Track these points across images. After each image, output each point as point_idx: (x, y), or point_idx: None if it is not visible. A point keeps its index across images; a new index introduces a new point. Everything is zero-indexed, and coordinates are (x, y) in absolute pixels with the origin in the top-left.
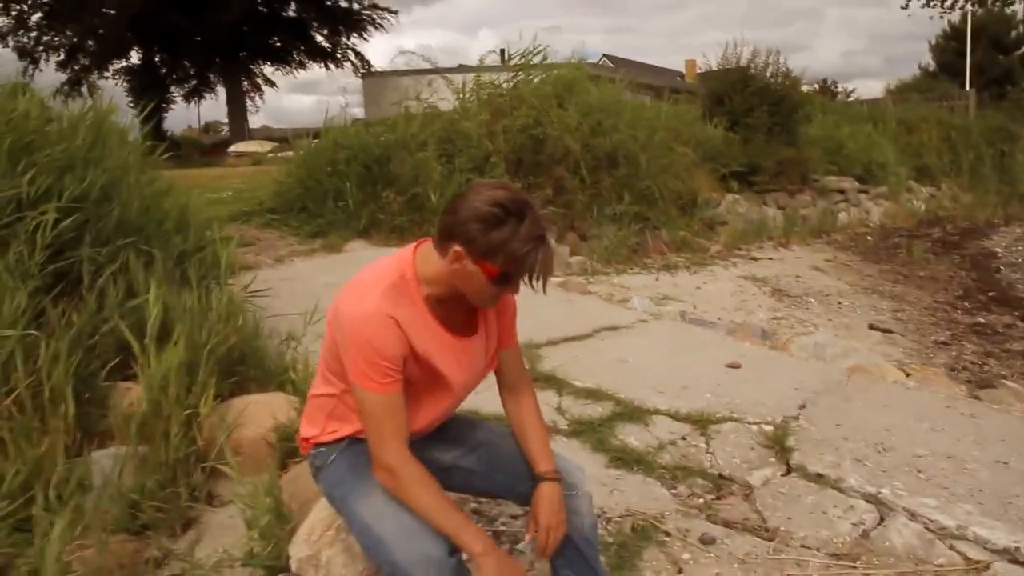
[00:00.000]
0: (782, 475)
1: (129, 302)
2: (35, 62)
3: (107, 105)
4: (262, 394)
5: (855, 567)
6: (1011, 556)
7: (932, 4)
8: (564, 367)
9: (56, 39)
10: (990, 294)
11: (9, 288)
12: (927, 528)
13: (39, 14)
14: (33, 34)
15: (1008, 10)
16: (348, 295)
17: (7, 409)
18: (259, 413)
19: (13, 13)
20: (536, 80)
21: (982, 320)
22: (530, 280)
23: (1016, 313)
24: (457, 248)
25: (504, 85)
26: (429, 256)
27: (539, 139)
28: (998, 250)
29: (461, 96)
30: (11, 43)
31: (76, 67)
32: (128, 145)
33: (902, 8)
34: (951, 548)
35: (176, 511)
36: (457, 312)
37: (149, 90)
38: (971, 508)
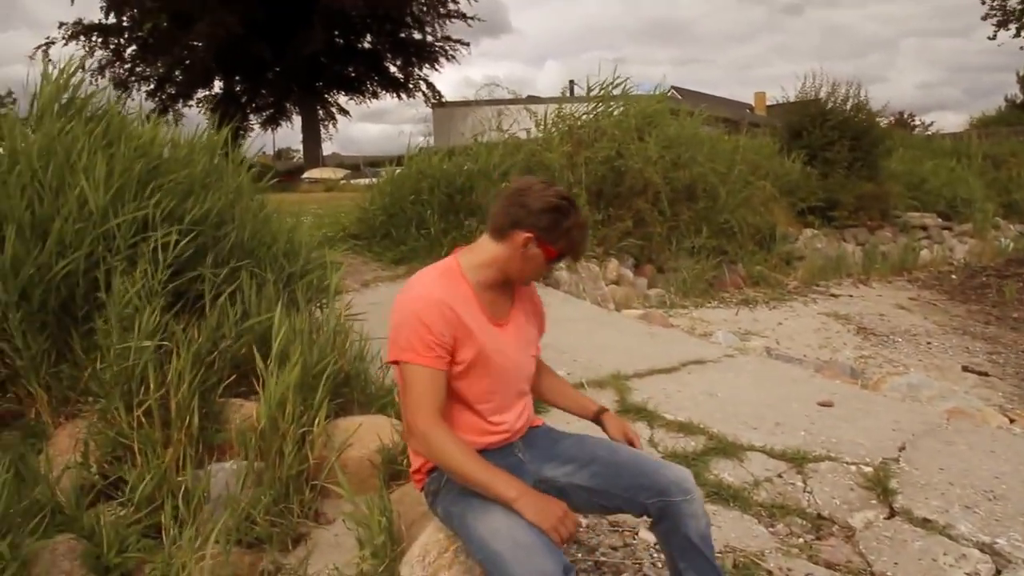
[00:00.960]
0: (885, 518)
1: (246, 322)
2: (128, 92)
3: (222, 131)
4: (366, 416)
5: None
6: None
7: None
8: (654, 400)
9: (147, 70)
10: None
11: (137, 306)
12: None
13: (134, 47)
14: (128, 66)
15: None
16: (404, 288)
17: (137, 420)
18: (365, 434)
19: (111, 47)
20: (617, 112)
21: None
22: (575, 258)
23: None
24: (527, 235)
25: (584, 117)
26: (475, 249)
27: (620, 171)
28: None
29: (543, 127)
30: (108, 75)
31: (163, 96)
32: (241, 170)
33: (989, 39)
34: None
35: (288, 526)
36: (497, 300)
37: (229, 118)
38: None
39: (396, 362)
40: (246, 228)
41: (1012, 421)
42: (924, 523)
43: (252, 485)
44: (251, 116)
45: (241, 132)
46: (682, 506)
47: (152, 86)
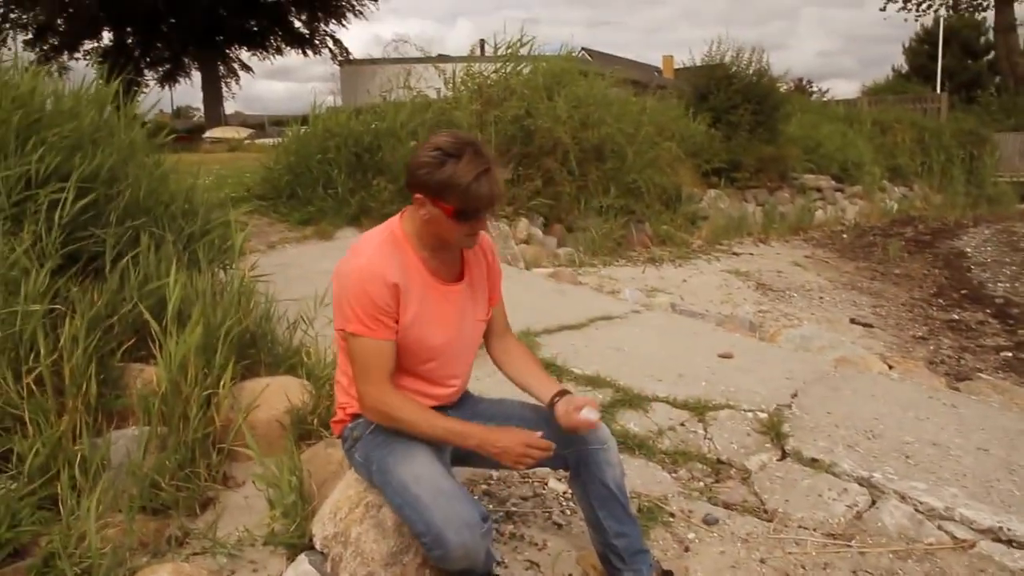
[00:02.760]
0: (778, 460)
1: (147, 285)
2: (3, 41)
3: (111, 84)
4: (274, 377)
5: (850, 546)
6: (995, 535)
7: (908, 8)
8: (563, 355)
9: (24, 17)
10: (963, 292)
11: (26, 268)
12: (917, 510)
13: None
14: (0, 11)
15: (978, 16)
16: (347, 256)
17: (27, 388)
18: (273, 396)
19: None
20: (527, 71)
21: (956, 317)
22: (483, 207)
23: (988, 311)
24: (417, 195)
25: (493, 76)
26: (412, 214)
27: (529, 130)
28: (968, 250)
29: (452, 85)
30: None
31: (45, 47)
32: (134, 126)
33: (880, 10)
34: (939, 528)
35: (195, 491)
36: (445, 262)
37: (121, 72)
38: (957, 491)
39: (341, 330)
40: (141, 186)
41: (891, 367)
42: (812, 463)
43: (156, 451)
44: (146, 71)
45: (135, 87)
46: (599, 454)
47: (31, 35)
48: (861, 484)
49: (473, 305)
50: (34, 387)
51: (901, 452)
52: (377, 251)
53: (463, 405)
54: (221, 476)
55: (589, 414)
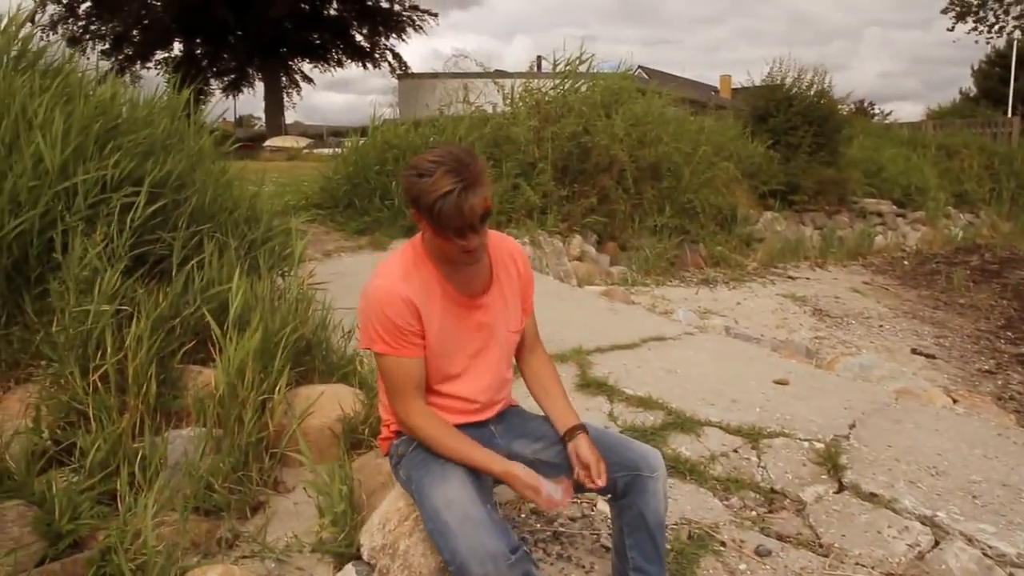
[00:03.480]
0: (835, 492)
1: (209, 289)
2: (83, 51)
3: (183, 93)
4: (328, 384)
5: None
6: None
7: (979, 30)
8: (615, 375)
9: (103, 28)
10: None
11: (97, 268)
12: (985, 554)
13: (88, 3)
14: (82, 23)
15: None
16: (371, 276)
17: (92, 384)
18: (326, 403)
19: (64, 2)
20: (585, 88)
21: None
22: (457, 230)
23: None
24: (412, 211)
25: (551, 92)
26: (424, 234)
27: (586, 147)
28: None
29: (511, 101)
30: (60, 31)
31: (120, 56)
32: (203, 134)
33: (948, 31)
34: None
35: (247, 495)
36: (469, 274)
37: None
38: None
39: (368, 349)
40: (207, 193)
41: (955, 402)
42: (871, 497)
43: (210, 452)
44: (212, 80)
45: (202, 96)
46: (647, 482)
47: (108, 45)
48: (924, 523)
49: (505, 316)
50: (99, 384)
51: (967, 491)
52: (397, 271)
53: (509, 422)
54: (272, 481)
55: (553, 492)
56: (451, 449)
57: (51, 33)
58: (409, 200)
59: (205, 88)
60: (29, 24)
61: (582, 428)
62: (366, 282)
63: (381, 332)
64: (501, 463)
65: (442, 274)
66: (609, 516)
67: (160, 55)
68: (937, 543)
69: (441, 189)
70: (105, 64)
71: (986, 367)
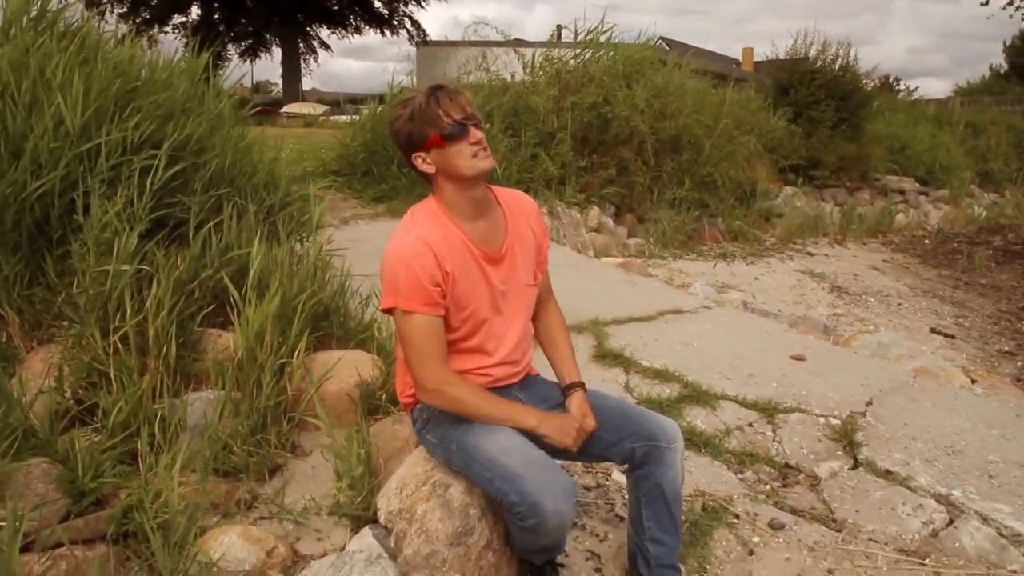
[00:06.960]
0: (850, 469)
1: (228, 253)
2: (101, 13)
3: (202, 56)
4: (345, 350)
5: (924, 564)
6: None
7: (1017, 6)
8: (631, 346)
9: None
10: None
11: (117, 230)
12: (1000, 533)
13: None
14: None
15: None
16: (393, 236)
17: (112, 346)
18: (344, 369)
19: None
20: (606, 58)
21: None
22: (456, 113)
23: None
24: (415, 157)
25: (571, 62)
26: (435, 186)
27: (606, 118)
28: None
29: (531, 70)
30: None
31: (137, 19)
32: (222, 97)
33: (982, 4)
34: None
35: (265, 457)
36: (487, 230)
37: (207, 46)
38: None
39: (391, 309)
40: (227, 157)
41: (974, 381)
42: (886, 474)
43: (229, 415)
44: (229, 46)
45: (219, 61)
46: (665, 453)
47: (125, 8)
48: (939, 501)
49: (524, 269)
50: (120, 345)
51: (984, 471)
52: (421, 227)
53: (533, 390)
54: (290, 445)
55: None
56: (480, 409)
57: None
58: (407, 136)
59: (223, 53)
60: None
61: (578, 386)
62: (387, 244)
63: (406, 287)
64: (534, 417)
65: (462, 231)
66: (624, 486)
67: (178, 19)
68: (951, 521)
69: (427, 97)
70: (123, 27)
71: (1006, 348)
